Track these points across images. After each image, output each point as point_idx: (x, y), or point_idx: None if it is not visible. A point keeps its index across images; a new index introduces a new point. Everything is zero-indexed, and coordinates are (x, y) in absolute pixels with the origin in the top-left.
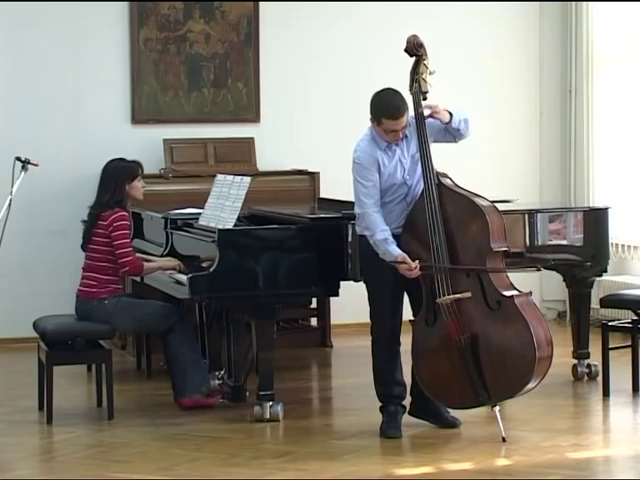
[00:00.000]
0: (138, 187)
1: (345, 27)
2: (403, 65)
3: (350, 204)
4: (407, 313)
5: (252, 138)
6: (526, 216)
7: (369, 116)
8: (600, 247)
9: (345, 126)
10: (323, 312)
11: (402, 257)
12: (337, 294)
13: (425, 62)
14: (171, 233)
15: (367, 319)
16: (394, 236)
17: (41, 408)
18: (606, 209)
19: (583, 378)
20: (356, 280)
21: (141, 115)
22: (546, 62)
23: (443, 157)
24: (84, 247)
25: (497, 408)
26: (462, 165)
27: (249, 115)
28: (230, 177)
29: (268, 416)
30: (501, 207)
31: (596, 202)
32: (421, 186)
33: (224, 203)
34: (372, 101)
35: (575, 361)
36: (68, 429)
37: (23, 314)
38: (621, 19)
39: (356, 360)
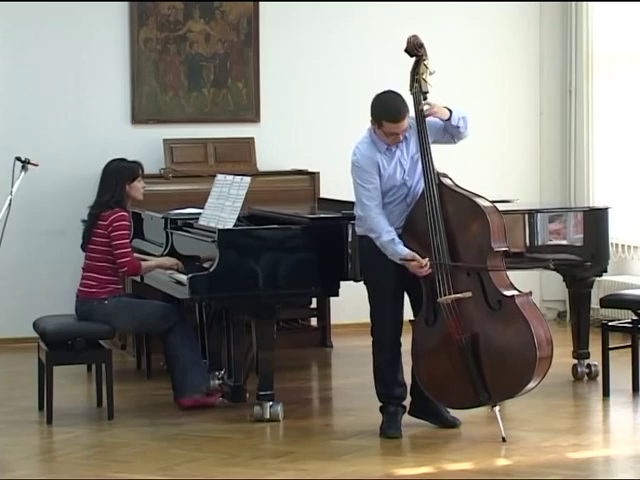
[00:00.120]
0: (138, 187)
1: (345, 27)
2: (403, 65)
3: (350, 204)
4: (407, 313)
5: (252, 138)
6: (526, 216)
7: (370, 118)
8: (600, 247)
9: (345, 126)
10: (323, 312)
11: (411, 255)
12: (337, 294)
13: (425, 62)
14: (171, 233)
15: (367, 319)
16: None
17: (41, 408)
18: (606, 209)
19: (583, 378)
20: (356, 280)
21: (141, 115)
22: (546, 62)
23: (443, 157)
24: (84, 247)
25: (497, 408)
26: (462, 165)
27: (249, 115)
28: (230, 177)
29: (268, 416)
30: (501, 207)
31: (596, 202)
32: (421, 186)
33: (224, 203)
34: (373, 104)
35: (575, 361)
36: (68, 429)
37: (23, 314)
38: (621, 19)
39: (356, 360)
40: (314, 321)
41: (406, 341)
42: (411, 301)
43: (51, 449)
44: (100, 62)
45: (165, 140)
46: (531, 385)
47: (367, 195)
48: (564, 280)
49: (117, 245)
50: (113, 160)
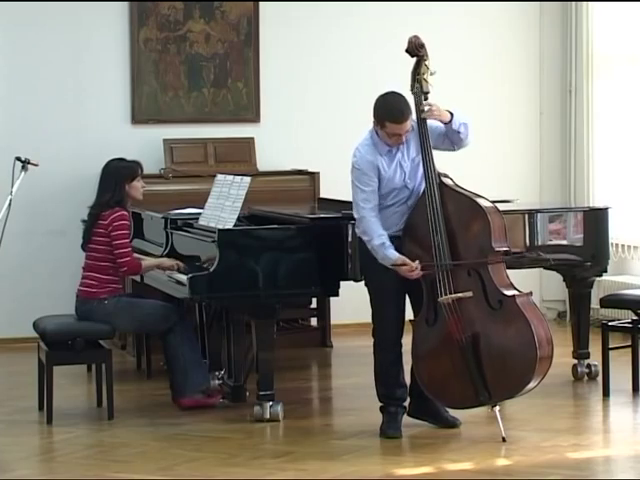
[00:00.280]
0: (138, 187)
1: (345, 27)
2: (403, 65)
3: (350, 204)
4: (407, 313)
5: (252, 138)
6: (526, 216)
7: (372, 119)
8: (600, 247)
9: (345, 126)
10: (323, 312)
11: (401, 260)
12: (337, 294)
13: (426, 62)
14: (171, 233)
15: (367, 319)
16: (396, 238)
17: (41, 408)
18: (606, 209)
19: (583, 378)
20: (356, 280)
21: (141, 115)
22: (546, 62)
23: (443, 157)
24: (84, 247)
25: (497, 408)
26: (462, 165)
27: (249, 115)
28: (230, 177)
29: (268, 416)
30: (501, 207)
31: (596, 202)
32: (422, 189)
33: (224, 203)
34: (376, 104)
35: (575, 361)
36: (68, 429)
37: (23, 314)
38: (621, 19)
39: (356, 360)
40: (314, 321)
41: (406, 341)
42: (412, 302)
43: (51, 449)
44: (100, 62)
45: (165, 140)
46: (531, 385)
47: (363, 198)
48: (564, 280)
49: (117, 245)
50: (112, 160)
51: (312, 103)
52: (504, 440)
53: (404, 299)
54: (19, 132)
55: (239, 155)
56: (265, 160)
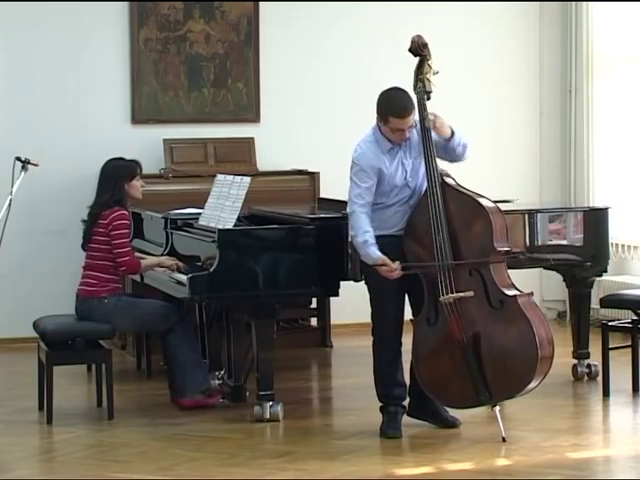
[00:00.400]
0: (137, 186)
1: (345, 27)
2: (403, 65)
3: None
4: (407, 313)
5: (252, 138)
6: (526, 216)
7: (375, 115)
8: (600, 247)
9: (345, 126)
10: (323, 312)
11: (382, 260)
12: (337, 294)
13: (429, 62)
14: (171, 233)
15: (367, 319)
16: (397, 237)
17: (41, 408)
18: (606, 209)
19: (583, 378)
20: (356, 280)
21: (141, 115)
22: (546, 62)
23: None
24: (84, 247)
25: (497, 408)
26: (462, 165)
27: (249, 115)
28: (230, 177)
29: (268, 416)
30: (501, 207)
31: (596, 202)
32: (424, 189)
33: (224, 203)
34: (379, 100)
35: (575, 361)
36: (68, 429)
37: (23, 314)
38: (621, 19)
39: (356, 360)
40: (314, 321)
41: (406, 341)
42: (411, 301)
43: (51, 449)
44: (100, 62)
45: (165, 140)
46: (532, 385)
47: (357, 193)
48: (564, 280)
49: (116, 244)
50: (111, 159)
51: (312, 103)
52: (504, 440)
53: (404, 298)
54: (19, 132)
55: (239, 155)
56: (265, 160)
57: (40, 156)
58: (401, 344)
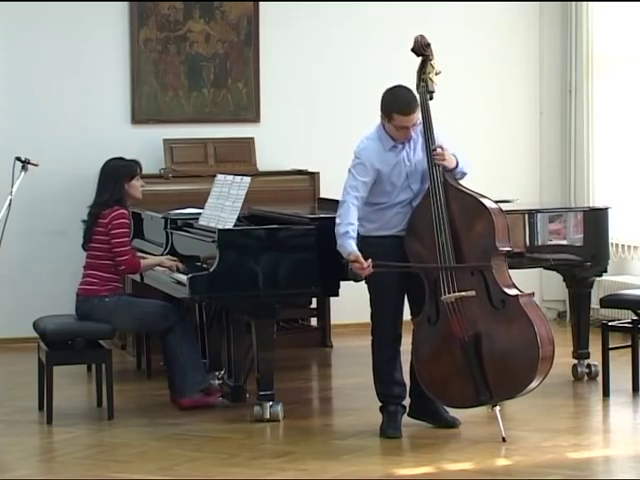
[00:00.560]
0: (137, 186)
1: (345, 27)
2: (403, 65)
3: None
4: (406, 313)
5: (252, 138)
6: (526, 216)
7: (378, 114)
8: (600, 247)
9: (345, 126)
10: (323, 312)
11: (354, 255)
12: (337, 294)
13: (432, 62)
14: (171, 233)
15: (367, 319)
16: (398, 238)
17: (41, 408)
18: (606, 209)
19: (583, 378)
20: (356, 280)
21: (141, 115)
22: (546, 62)
23: None
24: (85, 247)
25: (497, 408)
26: None
27: (249, 115)
28: (230, 177)
29: (268, 416)
30: (501, 207)
31: (596, 202)
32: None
33: (224, 203)
34: (383, 97)
35: (575, 361)
36: (68, 429)
37: (23, 314)
38: (621, 19)
39: (356, 360)
40: (314, 321)
41: (406, 341)
42: (410, 300)
43: (51, 449)
44: (100, 62)
45: (165, 140)
46: (533, 385)
47: (353, 185)
48: (564, 280)
49: (116, 243)
50: (111, 159)
51: (312, 103)
52: (504, 440)
53: (403, 298)
54: (19, 132)
55: (239, 155)
56: (265, 160)
57: (40, 156)
58: (400, 343)
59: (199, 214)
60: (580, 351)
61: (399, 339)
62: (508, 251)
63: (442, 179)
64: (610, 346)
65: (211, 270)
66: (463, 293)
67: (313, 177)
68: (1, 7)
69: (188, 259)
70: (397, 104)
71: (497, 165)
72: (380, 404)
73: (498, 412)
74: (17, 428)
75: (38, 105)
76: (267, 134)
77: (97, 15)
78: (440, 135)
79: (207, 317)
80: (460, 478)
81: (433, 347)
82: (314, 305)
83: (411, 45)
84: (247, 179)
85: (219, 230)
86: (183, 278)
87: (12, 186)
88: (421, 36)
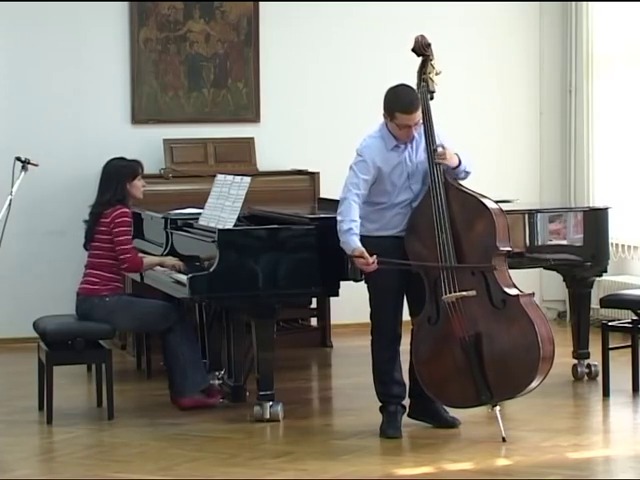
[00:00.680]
0: (138, 186)
1: (345, 27)
2: (403, 65)
3: None
4: (406, 313)
5: (252, 138)
6: (526, 216)
7: (380, 113)
8: (600, 247)
9: (345, 126)
10: (323, 312)
11: (359, 251)
12: (337, 294)
13: (432, 62)
14: (171, 233)
15: (367, 319)
16: (399, 239)
17: (41, 408)
18: (606, 209)
19: (583, 378)
20: (356, 280)
21: (141, 115)
22: (546, 62)
23: None
24: (86, 246)
25: (497, 408)
26: None
27: (249, 115)
28: (230, 177)
29: (268, 416)
30: (501, 207)
31: (596, 202)
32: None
33: (224, 203)
34: (386, 96)
35: (575, 361)
36: (68, 429)
37: (23, 314)
38: (621, 19)
39: (356, 360)
40: (314, 321)
41: (405, 341)
42: (409, 300)
43: (51, 449)
44: (100, 62)
45: (165, 140)
46: (533, 385)
47: (354, 182)
48: (564, 280)
49: (118, 241)
50: (112, 159)
51: (312, 103)
52: (504, 440)
53: (403, 298)
54: (19, 132)
55: (239, 155)
56: (265, 160)
57: (40, 156)
58: (400, 343)
59: (199, 214)
60: (580, 351)
61: (399, 339)
62: (508, 251)
63: (443, 179)
64: (610, 346)
65: (211, 270)
66: (464, 293)
67: (313, 177)
68: (1, 7)
69: (188, 259)
70: (399, 102)
71: (497, 165)
72: (380, 404)
73: (498, 412)
74: (17, 428)
75: (38, 105)
76: (267, 134)
77: (97, 15)
78: (441, 135)
79: (207, 317)
80: (460, 478)
81: (433, 347)
82: (314, 305)
83: (411, 45)
84: (247, 179)
85: (219, 230)
86: (183, 278)
87: (12, 186)
88: (422, 36)
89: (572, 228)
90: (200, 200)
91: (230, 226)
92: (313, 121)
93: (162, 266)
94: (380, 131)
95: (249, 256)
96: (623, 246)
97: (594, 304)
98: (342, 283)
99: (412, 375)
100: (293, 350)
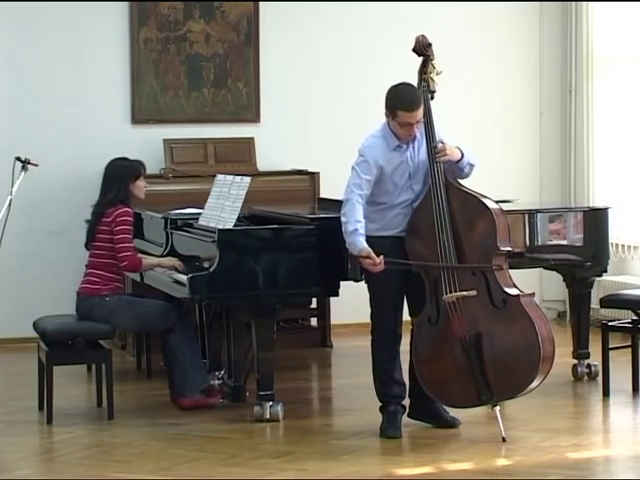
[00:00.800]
0: (141, 187)
1: (345, 27)
2: (403, 65)
3: None
4: (405, 313)
5: (252, 138)
6: (526, 216)
7: (384, 110)
8: (600, 247)
9: (345, 126)
10: (323, 312)
11: (366, 252)
12: (337, 294)
13: (433, 62)
14: (171, 233)
15: (367, 319)
16: (399, 239)
17: (41, 408)
18: (606, 209)
19: (583, 378)
20: (356, 280)
21: (141, 115)
22: (546, 62)
23: None
24: (87, 246)
25: (497, 408)
26: None
27: (249, 115)
28: (230, 177)
29: (268, 416)
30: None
31: (596, 202)
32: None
33: (224, 203)
34: (387, 94)
35: (575, 361)
36: (68, 429)
37: (23, 314)
38: (621, 19)
39: (356, 360)
40: (314, 321)
41: (405, 341)
42: (409, 300)
43: (51, 449)
44: (100, 62)
45: (165, 140)
46: (534, 385)
47: (357, 183)
48: (564, 280)
49: (119, 239)
50: (115, 159)
51: (312, 103)
52: (504, 440)
53: (403, 298)
54: (19, 132)
55: (239, 155)
56: (265, 160)
57: (40, 156)
58: (400, 343)
59: (199, 214)
60: (580, 351)
61: (399, 339)
62: (509, 251)
63: (443, 179)
64: (610, 346)
65: (211, 270)
66: (464, 293)
67: (313, 177)
68: (1, 7)
69: (188, 259)
70: (401, 100)
71: (497, 165)
72: (380, 404)
73: (498, 412)
74: (17, 428)
75: (38, 105)
76: (267, 134)
77: (97, 15)
78: (442, 134)
79: (207, 317)
80: (460, 478)
81: (433, 347)
82: (314, 305)
83: (411, 45)
84: (247, 179)
85: (219, 230)
86: (183, 278)
87: (12, 186)
88: (422, 36)
89: (572, 228)
90: (200, 200)
91: (230, 226)
92: (313, 121)
93: (160, 267)
94: (382, 131)
95: (249, 256)
96: (623, 246)
97: (594, 304)
98: (342, 283)
99: (412, 375)
100: (293, 350)
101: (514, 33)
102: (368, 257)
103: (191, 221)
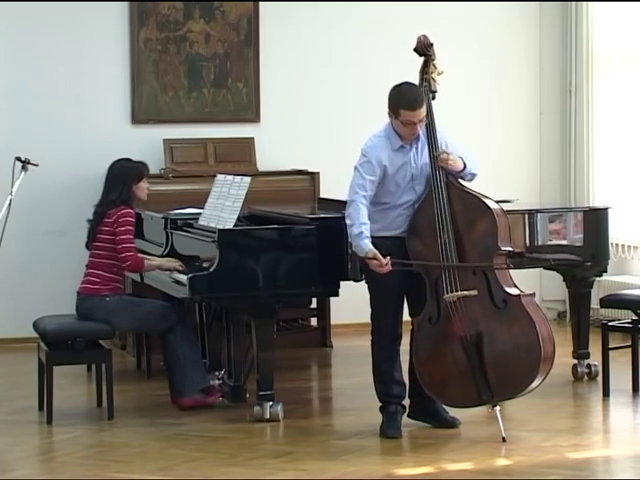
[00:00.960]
0: (143, 188)
1: (345, 27)
2: (403, 65)
3: None
4: (405, 313)
5: (252, 138)
6: (526, 216)
7: (387, 110)
8: (600, 247)
9: (345, 126)
10: (323, 312)
11: (373, 253)
12: (337, 294)
13: (434, 62)
14: (171, 233)
15: (367, 319)
16: (401, 239)
17: (41, 408)
18: (606, 209)
19: (583, 378)
20: (356, 280)
21: (141, 115)
22: (546, 62)
23: None
24: (88, 246)
25: (497, 408)
26: None
27: (249, 115)
28: (230, 177)
29: (268, 416)
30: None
31: (596, 202)
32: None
33: (224, 203)
34: (390, 94)
35: (575, 361)
36: (68, 429)
37: (23, 314)
38: (621, 19)
39: (356, 360)
40: (314, 321)
41: (405, 341)
42: (409, 300)
43: (51, 449)
44: (100, 62)
45: (165, 140)
46: (534, 384)
47: (360, 184)
48: (564, 280)
49: (120, 240)
50: (119, 160)
51: (312, 103)
52: (504, 440)
53: (403, 298)
54: (19, 132)
55: (239, 155)
56: (265, 160)
57: (40, 156)
58: (400, 343)
59: (199, 214)
60: (580, 351)
61: (399, 339)
62: (510, 251)
63: (445, 179)
64: (610, 346)
65: (211, 270)
66: (465, 292)
67: (313, 177)
68: (1, 7)
69: (188, 259)
70: (403, 99)
71: (497, 165)
72: (380, 404)
73: (498, 412)
74: (17, 428)
75: (38, 105)
76: (267, 134)
77: (97, 15)
78: (444, 134)
79: (207, 317)
80: (460, 478)
81: (434, 346)
82: (314, 305)
83: (411, 45)
84: (247, 179)
85: (219, 230)
86: (183, 278)
87: (12, 186)
88: (424, 36)
89: (572, 228)
90: (200, 200)
91: (230, 226)
92: (313, 121)
93: (160, 269)
94: (386, 131)
95: (249, 256)
96: (623, 246)
97: (594, 304)
98: (342, 283)
99: (412, 375)
100: (293, 350)
101: (514, 33)
102: (375, 259)
103: (191, 221)
